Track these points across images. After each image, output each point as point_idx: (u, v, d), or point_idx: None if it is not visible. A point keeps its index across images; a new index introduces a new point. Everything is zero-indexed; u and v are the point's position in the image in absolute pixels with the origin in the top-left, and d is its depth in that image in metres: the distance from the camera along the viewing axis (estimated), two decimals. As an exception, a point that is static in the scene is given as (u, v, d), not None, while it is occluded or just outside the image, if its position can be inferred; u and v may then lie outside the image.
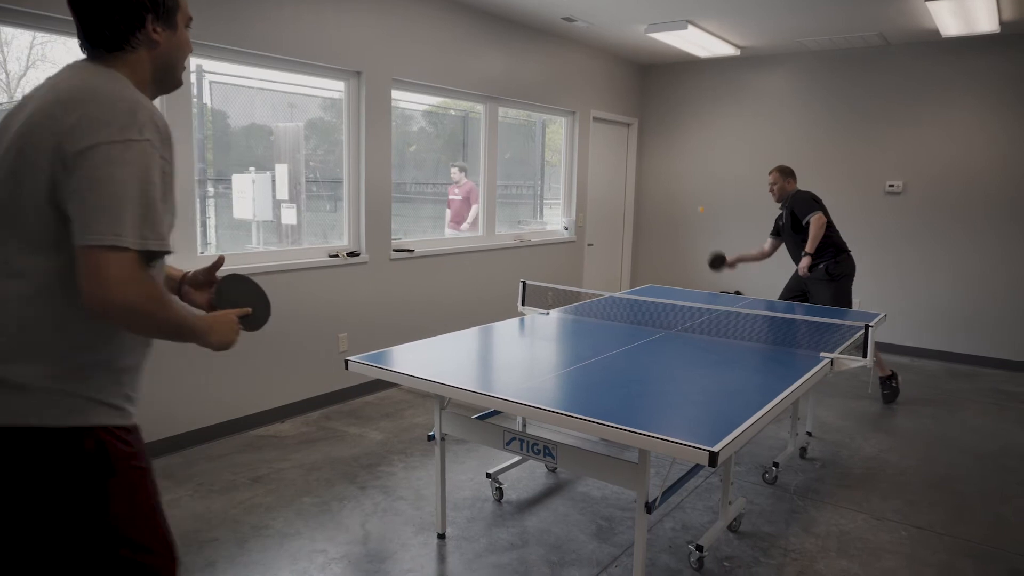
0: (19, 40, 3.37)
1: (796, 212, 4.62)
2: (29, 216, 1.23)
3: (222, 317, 1.45)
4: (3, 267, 1.25)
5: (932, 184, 5.98)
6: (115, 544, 1.26)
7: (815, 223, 4.49)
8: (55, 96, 1.25)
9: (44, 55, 3.51)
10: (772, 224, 5.00)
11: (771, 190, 4.78)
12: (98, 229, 1.18)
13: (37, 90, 1.31)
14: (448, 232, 5.89)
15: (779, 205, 4.82)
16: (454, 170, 6.00)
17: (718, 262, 4.82)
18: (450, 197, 6.01)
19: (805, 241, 4.55)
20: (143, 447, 1.36)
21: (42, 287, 1.24)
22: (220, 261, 1.59)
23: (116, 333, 1.31)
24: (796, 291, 4.80)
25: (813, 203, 4.59)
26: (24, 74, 3.50)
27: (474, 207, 5.97)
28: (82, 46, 1.35)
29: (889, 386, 4.78)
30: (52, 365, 1.24)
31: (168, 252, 1.28)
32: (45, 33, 3.20)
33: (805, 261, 4.53)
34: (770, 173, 4.80)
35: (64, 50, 3.43)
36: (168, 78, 1.43)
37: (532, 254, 6.16)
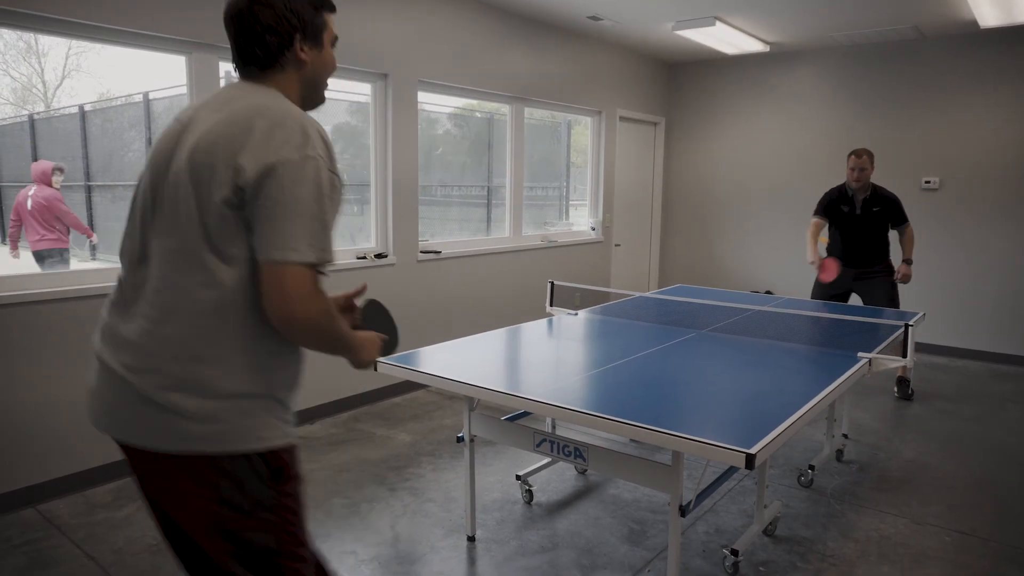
0: (56, 51, 3.44)
1: (896, 212, 4.55)
2: (212, 230, 1.23)
3: (371, 337, 1.48)
4: (199, 278, 1.25)
5: (970, 179, 5.82)
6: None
7: (913, 232, 4.63)
8: (228, 115, 1.26)
9: (79, 64, 3.56)
10: (813, 207, 4.83)
11: (856, 176, 4.43)
12: (280, 244, 1.19)
13: (200, 110, 1.32)
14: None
15: (855, 190, 4.50)
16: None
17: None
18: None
19: (877, 239, 4.59)
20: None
21: (227, 298, 1.25)
22: (363, 288, 1.60)
23: (290, 353, 1.35)
24: (839, 291, 4.68)
25: None
26: (60, 83, 3.55)
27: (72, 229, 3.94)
28: (235, 65, 1.39)
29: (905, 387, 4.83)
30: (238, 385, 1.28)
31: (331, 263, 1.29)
32: (81, 41, 3.26)
33: (908, 269, 4.56)
34: (860, 156, 4.42)
35: (99, 59, 3.49)
36: (313, 95, 1.46)
37: (559, 255, 6.12)
